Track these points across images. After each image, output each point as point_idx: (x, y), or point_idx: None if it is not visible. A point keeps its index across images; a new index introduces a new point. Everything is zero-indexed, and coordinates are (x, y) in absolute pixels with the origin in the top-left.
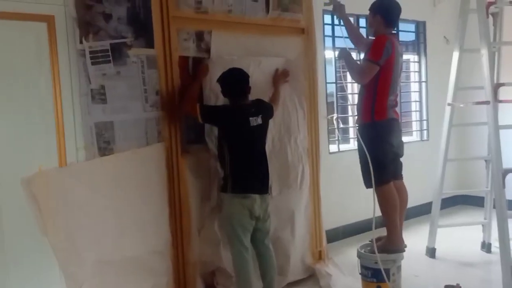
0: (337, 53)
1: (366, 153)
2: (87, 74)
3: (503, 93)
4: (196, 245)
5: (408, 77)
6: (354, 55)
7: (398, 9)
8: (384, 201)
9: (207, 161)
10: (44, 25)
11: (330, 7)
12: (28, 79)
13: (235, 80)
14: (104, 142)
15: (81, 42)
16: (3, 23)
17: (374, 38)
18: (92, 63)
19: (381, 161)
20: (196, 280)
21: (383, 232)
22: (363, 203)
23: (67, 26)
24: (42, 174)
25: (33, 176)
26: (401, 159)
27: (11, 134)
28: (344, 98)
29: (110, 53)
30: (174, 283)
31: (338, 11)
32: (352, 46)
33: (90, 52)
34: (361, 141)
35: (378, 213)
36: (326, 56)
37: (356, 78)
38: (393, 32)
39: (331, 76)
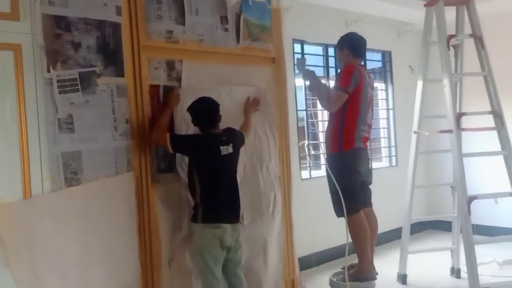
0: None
1: (335, 182)
2: (54, 103)
3: (466, 121)
4: (166, 277)
5: (376, 104)
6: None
7: (363, 40)
8: (354, 230)
9: (178, 191)
10: (11, 54)
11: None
12: None
13: (205, 109)
14: (71, 172)
15: (48, 71)
16: None
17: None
18: (60, 92)
19: (350, 190)
20: None
21: (355, 259)
22: (335, 230)
23: (35, 55)
24: (5, 207)
25: None
26: (370, 186)
27: None
28: (315, 125)
29: (78, 82)
30: None
31: (307, 77)
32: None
33: (58, 81)
34: (329, 171)
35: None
36: (296, 84)
37: (325, 105)
38: (361, 64)
39: (301, 103)
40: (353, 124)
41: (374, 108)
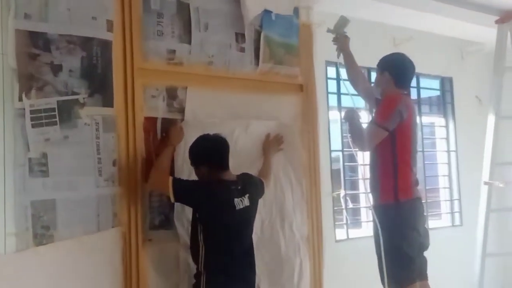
0: (343, 114)
1: (383, 243)
2: (26, 140)
3: None
4: None
5: (433, 145)
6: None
7: (411, 67)
8: None
9: (176, 252)
10: None
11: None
12: None
13: (214, 147)
14: (42, 227)
15: (20, 100)
16: None
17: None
18: (33, 126)
19: (406, 254)
20: None
21: None
22: None
23: (4, 80)
24: None
25: None
26: (425, 252)
27: None
28: (354, 170)
29: (56, 113)
30: None
31: (340, 42)
32: (361, 105)
33: (32, 112)
34: (379, 227)
35: None
36: (330, 118)
37: (358, 144)
38: (405, 93)
39: (336, 141)
40: (407, 167)
41: (429, 150)
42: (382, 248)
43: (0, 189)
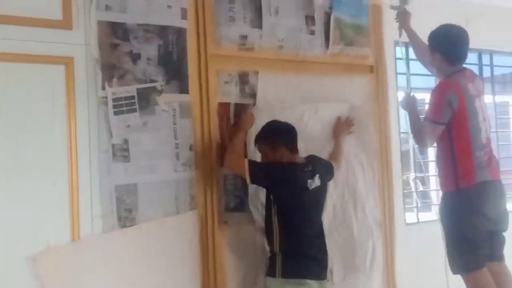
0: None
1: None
2: (109, 126)
3: None
4: None
5: (506, 125)
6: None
7: (462, 38)
8: None
9: (251, 235)
10: (61, 68)
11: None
12: (38, 134)
13: (286, 129)
14: (125, 210)
15: (103, 88)
16: (15, 66)
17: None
18: (115, 113)
19: (470, 239)
20: None
21: None
22: None
23: (88, 69)
24: (51, 251)
25: (40, 254)
26: (504, 234)
27: (16, 199)
28: (424, 152)
29: (136, 100)
30: None
31: (401, 19)
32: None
33: (113, 100)
34: (443, 215)
35: None
36: (399, 99)
37: (416, 141)
38: (463, 67)
39: (405, 123)
40: (468, 153)
41: (503, 130)
42: (446, 236)
43: (87, 173)
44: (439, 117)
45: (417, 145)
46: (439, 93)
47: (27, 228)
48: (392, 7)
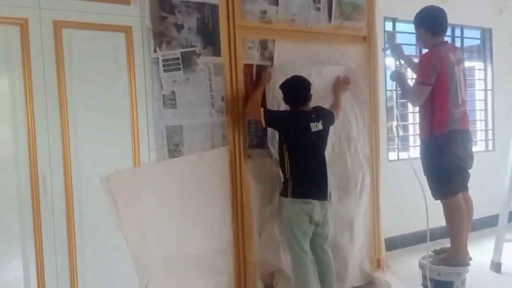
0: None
1: (427, 167)
2: (160, 81)
3: None
4: (256, 247)
5: (472, 85)
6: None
7: (441, 16)
8: (451, 214)
9: (269, 166)
10: (123, 35)
11: (389, 52)
12: (107, 86)
13: (297, 87)
14: (173, 145)
15: (155, 51)
16: (86, 33)
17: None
18: (164, 71)
19: (446, 173)
20: (256, 280)
21: (442, 243)
22: (422, 213)
23: (143, 36)
24: (118, 173)
25: (110, 175)
26: (470, 171)
27: (92, 137)
28: (404, 105)
29: (180, 61)
30: (236, 282)
31: (396, 53)
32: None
33: (163, 60)
34: (423, 155)
35: (437, 224)
36: (386, 63)
37: (410, 101)
38: (444, 41)
39: (391, 82)
40: (445, 108)
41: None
42: (427, 172)
43: (144, 117)
44: (427, 79)
45: (412, 105)
46: (425, 60)
47: (103, 156)
48: (385, 48)
